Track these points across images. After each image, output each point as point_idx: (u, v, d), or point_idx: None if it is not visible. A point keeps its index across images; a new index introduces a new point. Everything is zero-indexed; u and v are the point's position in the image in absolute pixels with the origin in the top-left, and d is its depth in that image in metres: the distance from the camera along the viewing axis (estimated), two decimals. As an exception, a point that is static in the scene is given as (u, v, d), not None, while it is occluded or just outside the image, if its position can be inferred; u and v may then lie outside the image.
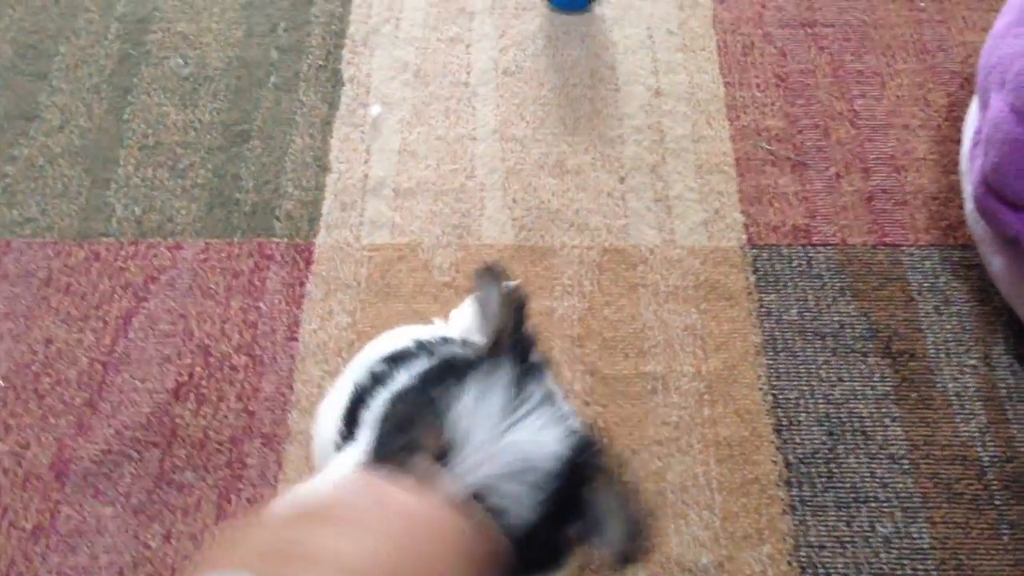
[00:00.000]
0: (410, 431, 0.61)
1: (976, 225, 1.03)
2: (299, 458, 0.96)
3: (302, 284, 1.08)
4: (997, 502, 0.94)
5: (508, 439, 0.60)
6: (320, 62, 1.28)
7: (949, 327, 1.05)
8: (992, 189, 0.95)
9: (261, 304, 1.06)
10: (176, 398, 1.00)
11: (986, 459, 0.96)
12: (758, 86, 1.26)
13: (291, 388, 1.00)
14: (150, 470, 0.95)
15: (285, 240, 1.11)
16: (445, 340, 0.77)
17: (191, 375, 1.01)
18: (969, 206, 1.06)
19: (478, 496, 0.56)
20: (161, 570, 0.89)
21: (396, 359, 0.75)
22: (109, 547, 0.91)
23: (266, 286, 1.08)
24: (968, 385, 1.01)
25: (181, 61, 1.27)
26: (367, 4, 1.34)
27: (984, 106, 0.99)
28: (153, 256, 1.10)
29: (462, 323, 0.94)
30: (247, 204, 1.14)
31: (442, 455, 0.58)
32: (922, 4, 1.35)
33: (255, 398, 1.00)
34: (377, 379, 0.73)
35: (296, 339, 1.04)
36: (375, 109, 1.22)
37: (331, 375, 1.01)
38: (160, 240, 1.11)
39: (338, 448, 0.75)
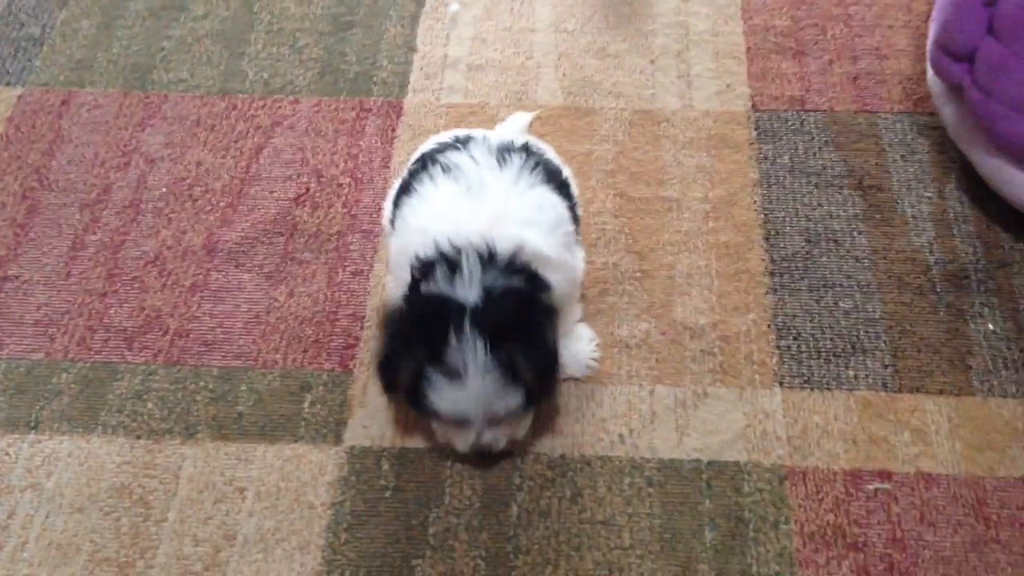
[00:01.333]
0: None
1: (933, 83, 1.28)
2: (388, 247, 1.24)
3: (393, 129, 1.37)
4: (938, 289, 1.18)
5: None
6: (409, -27, 1.57)
7: (912, 170, 1.30)
8: (941, 46, 1.20)
9: (362, 143, 1.35)
10: (296, 204, 1.29)
11: (932, 261, 1.21)
12: (768, -5, 1.52)
13: (384, 200, 1.29)
14: (277, 250, 1.24)
15: (381, 98, 1.40)
16: (471, 137, 1.06)
17: (307, 189, 1.30)
18: (931, 85, 1.31)
19: None
20: (286, 315, 1.18)
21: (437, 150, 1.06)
22: (248, 300, 1.20)
23: (366, 130, 1.37)
24: (923, 210, 1.26)
25: (298, -30, 1.58)
26: (448, -72, 1.63)
27: (939, -13, 1.25)
28: (277, 107, 1.40)
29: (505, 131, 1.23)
30: (351, 73, 1.44)
31: None
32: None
33: (356, 206, 1.28)
34: (412, 174, 1.05)
35: (388, 167, 1.33)
36: (454, 6, 1.52)
37: (416, 192, 1.29)
38: (282, 96, 1.41)
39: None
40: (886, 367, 1.12)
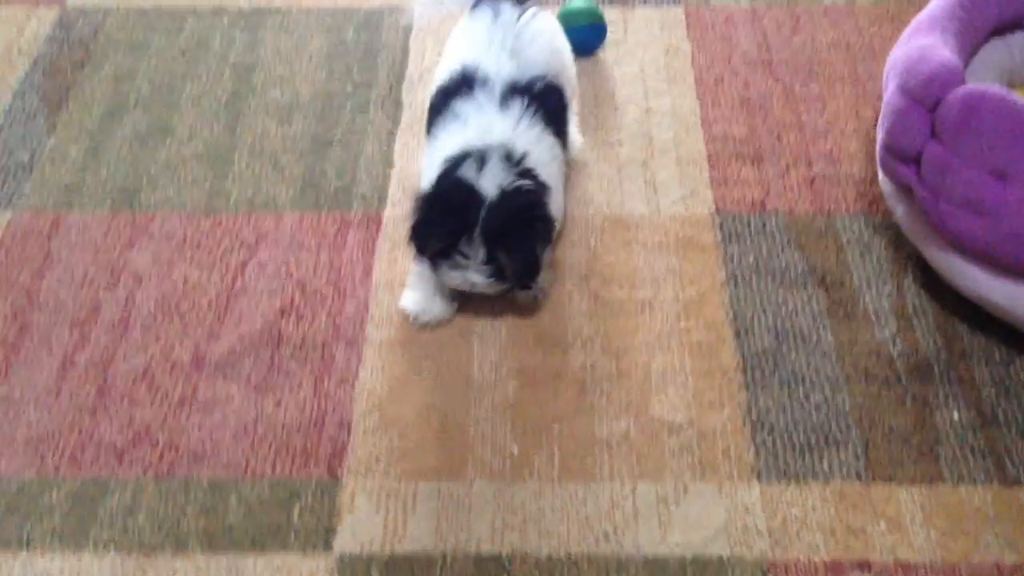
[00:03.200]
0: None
1: (885, 184, 1.36)
2: (374, 355, 1.28)
3: (374, 241, 1.42)
4: (903, 381, 1.23)
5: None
6: (385, 93, 1.66)
7: (870, 266, 1.37)
8: (889, 149, 1.28)
9: (343, 255, 1.40)
10: (281, 316, 1.33)
11: (895, 353, 1.26)
12: (726, 105, 1.62)
13: (367, 309, 1.33)
14: (264, 362, 1.27)
15: (361, 212, 1.46)
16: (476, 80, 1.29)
17: (292, 301, 1.34)
18: (883, 185, 1.39)
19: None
20: (274, 425, 1.21)
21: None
22: (236, 411, 1.22)
23: (347, 242, 1.42)
24: (884, 305, 1.32)
25: (279, 93, 1.66)
26: (421, 51, 1.73)
27: (885, 93, 1.33)
28: (261, 223, 1.45)
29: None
30: (331, 188, 1.50)
31: None
32: (857, 48, 1.72)
33: (340, 316, 1.32)
34: (431, 108, 1.37)
35: (370, 277, 1.37)
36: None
37: (397, 302, 1.33)
38: (266, 213, 1.47)
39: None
40: (858, 458, 1.16)
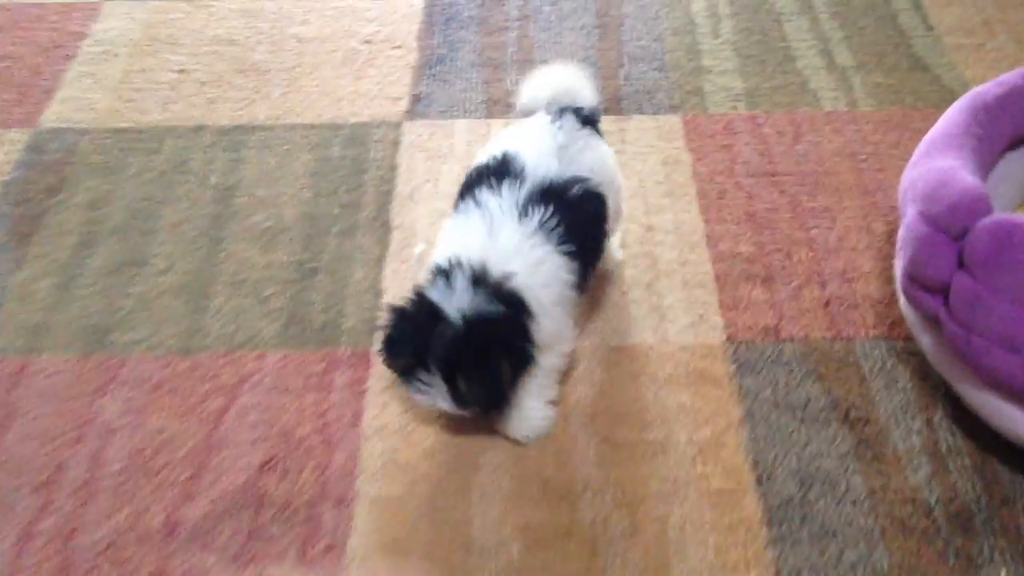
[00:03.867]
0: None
1: (908, 312, 1.27)
2: (365, 516, 1.17)
3: (363, 382, 1.32)
4: (943, 534, 1.13)
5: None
6: (373, 214, 1.58)
7: (897, 400, 1.27)
8: (912, 278, 1.20)
9: (330, 399, 1.30)
10: (263, 472, 1.22)
11: (932, 501, 1.16)
12: (731, 221, 1.54)
13: (356, 460, 1.23)
14: (243, 527, 1.16)
15: (349, 348, 1.37)
16: (507, 174, 1.22)
17: (275, 454, 1.24)
18: (904, 310, 1.31)
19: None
20: (255, 603, 1.09)
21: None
22: (212, 587, 1.11)
23: (334, 384, 1.32)
24: (915, 444, 1.22)
25: (262, 217, 1.58)
26: (410, 169, 1.66)
27: (903, 219, 1.26)
28: (242, 364, 1.35)
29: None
30: (318, 322, 1.41)
31: None
32: (863, 157, 1.65)
33: (327, 470, 1.22)
34: (461, 192, 1.28)
35: (359, 424, 1.27)
36: (419, 247, 1.51)
37: (392, 451, 1.23)
38: (247, 351, 1.37)
39: None
40: (903, 627, 1.05)
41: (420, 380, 1.13)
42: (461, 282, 1.10)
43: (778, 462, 1.21)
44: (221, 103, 1.82)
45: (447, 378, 1.11)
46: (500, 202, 1.18)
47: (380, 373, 1.33)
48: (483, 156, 1.27)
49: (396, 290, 1.45)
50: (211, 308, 1.44)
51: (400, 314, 1.15)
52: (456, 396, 1.12)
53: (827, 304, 1.41)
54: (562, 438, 1.25)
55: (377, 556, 1.13)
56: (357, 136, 1.74)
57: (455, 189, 1.28)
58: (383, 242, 1.53)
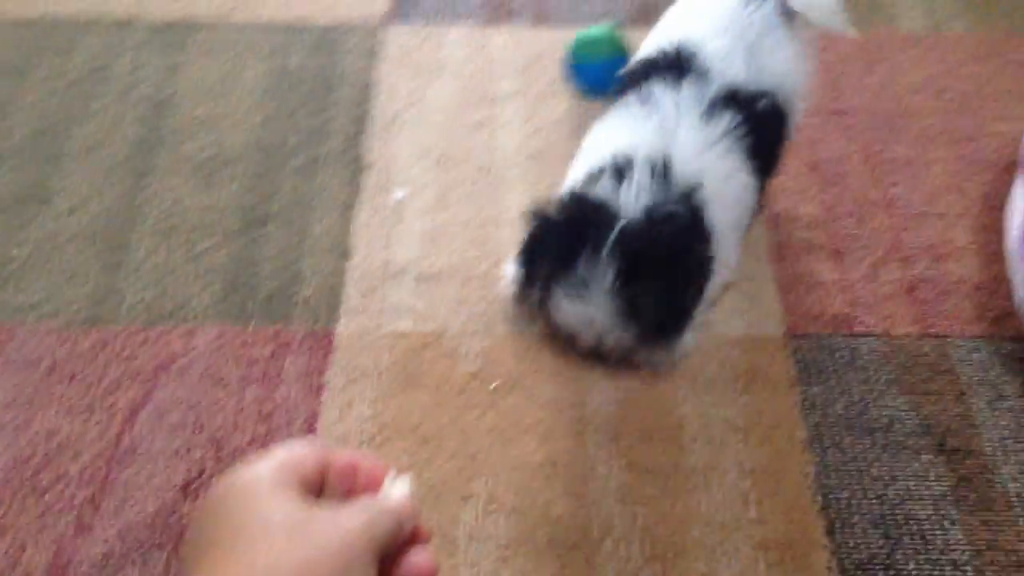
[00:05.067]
0: None
1: (1029, 310, 0.98)
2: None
3: (321, 373, 1.02)
4: (1073, 614, 0.86)
5: None
6: (341, 147, 1.25)
7: (1005, 423, 0.99)
8: (1049, 276, 0.90)
9: (278, 395, 1.01)
10: (185, 495, 0.93)
11: (1057, 565, 0.89)
12: (789, 172, 1.23)
13: (308, 485, 0.93)
14: (156, 572, 0.88)
15: (304, 327, 1.06)
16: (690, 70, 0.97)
17: (202, 471, 0.95)
18: (1020, 295, 1.02)
19: None
20: None
21: None
22: (108, 661, 0.83)
23: (283, 375, 1.02)
24: (1031, 484, 0.95)
25: (198, 145, 1.25)
26: (389, 90, 1.32)
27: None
28: (164, 344, 1.05)
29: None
30: (264, 290, 1.10)
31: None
32: (950, 96, 1.33)
33: (270, 495, 0.93)
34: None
35: (315, 427, 0.98)
36: (398, 194, 1.19)
37: (351, 471, 0.94)
38: (172, 327, 1.06)
39: None
40: None
41: (571, 289, 0.90)
42: (643, 176, 0.89)
43: (855, 505, 0.94)
44: (156, -7, 1.46)
45: (621, 286, 0.88)
46: (678, 99, 0.94)
47: (345, 363, 1.03)
48: (648, 47, 1.04)
49: (368, 249, 1.14)
50: (128, 264, 1.12)
51: (545, 218, 0.93)
52: (626, 310, 0.90)
53: (911, 288, 1.11)
54: (575, 463, 0.96)
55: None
56: (325, 42, 1.40)
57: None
58: (353, 184, 1.21)
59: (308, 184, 1.20)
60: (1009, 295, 1.07)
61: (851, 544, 0.91)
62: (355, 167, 1.23)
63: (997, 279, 1.10)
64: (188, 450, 0.96)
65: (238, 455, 0.96)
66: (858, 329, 1.08)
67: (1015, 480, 0.95)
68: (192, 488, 0.93)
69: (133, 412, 0.99)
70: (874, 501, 0.94)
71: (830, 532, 0.92)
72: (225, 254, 1.13)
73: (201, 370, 1.03)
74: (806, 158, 1.25)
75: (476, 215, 1.18)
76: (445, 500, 0.93)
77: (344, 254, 1.13)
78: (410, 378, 1.03)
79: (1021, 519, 0.92)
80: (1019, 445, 0.98)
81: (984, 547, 0.91)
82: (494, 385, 1.01)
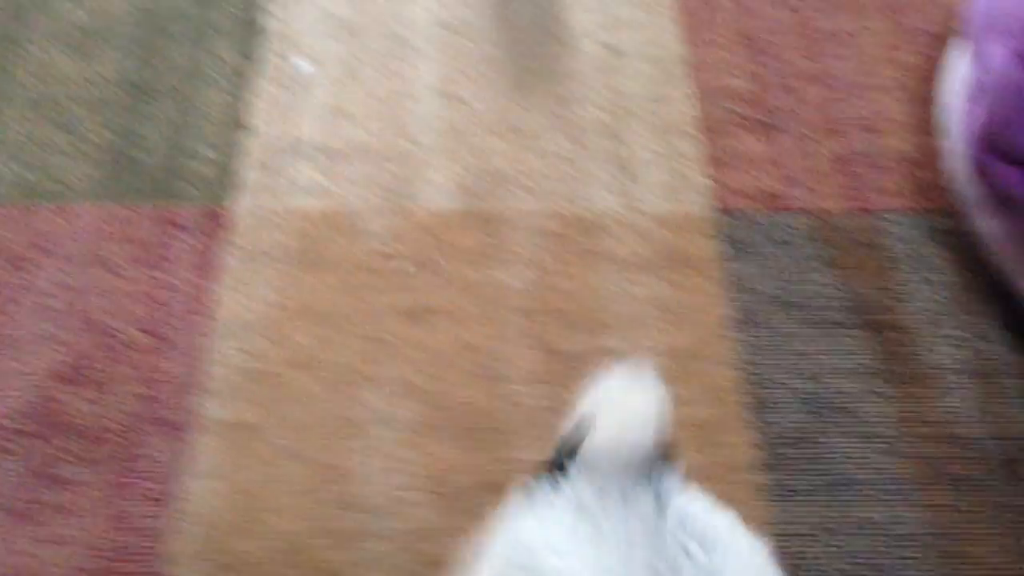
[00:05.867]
0: None
1: (967, 187, 0.94)
2: (210, 451, 0.82)
3: (215, 251, 0.94)
4: (992, 483, 0.84)
5: None
6: (236, 11, 1.14)
7: (934, 297, 0.96)
8: (989, 144, 0.86)
9: (168, 277, 0.93)
10: (60, 382, 0.85)
11: (979, 437, 0.87)
12: (722, 45, 1.16)
13: (200, 369, 0.87)
14: (26, 465, 0.81)
15: (197, 205, 0.98)
16: None
17: (80, 357, 0.87)
18: (953, 166, 0.98)
19: None
20: (38, 583, 0.75)
21: None
22: (-24, 558, 0.76)
23: (172, 256, 0.94)
24: (957, 358, 0.92)
25: (78, 7, 1.13)
26: (293, -49, 1.21)
27: (979, 58, 0.90)
28: (41, 223, 0.96)
29: None
30: (152, 165, 1.00)
31: None
32: (889, -36, 1.26)
33: (155, 381, 0.86)
34: None
35: (207, 315, 0.90)
36: (301, 64, 1.10)
37: (254, 356, 0.88)
38: (51, 204, 0.97)
39: None
40: (946, 625, 0.77)
41: None
42: None
43: (783, 383, 0.90)
44: None
45: None
46: None
47: (240, 243, 0.95)
48: None
49: (268, 123, 1.05)
50: (2, 139, 1.02)
51: None
52: None
53: (844, 162, 1.06)
54: (487, 346, 0.90)
55: (224, 510, 0.79)
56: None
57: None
58: (249, 52, 1.11)
59: (200, 53, 1.10)
60: (941, 167, 1.02)
61: (774, 420, 0.87)
62: (251, 33, 1.12)
63: (929, 151, 1.06)
64: (65, 335, 0.88)
65: (119, 340, 0.88)
66: (788, 205, 1.03)
67: (942, 354, 0.92)
68: (67, 376, 0.86)
69: (6, 296, 0.90)
70: (799, 378, 0.90)
71: (754, 409, 0.88)
72: (109, 129, 1.03)
73: (82, 252, 0.94)
74: (738, 29, 1.18)
75: (388, 87, 1.09)
76: (350, 382, 0.87)
77: (241, 127, 1.04)
78: (318, 259, 0.95)
79: (947, 392, 0.90)
80: (948, 319, 0.94)
81: (909, 419, 0.88)
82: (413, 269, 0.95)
